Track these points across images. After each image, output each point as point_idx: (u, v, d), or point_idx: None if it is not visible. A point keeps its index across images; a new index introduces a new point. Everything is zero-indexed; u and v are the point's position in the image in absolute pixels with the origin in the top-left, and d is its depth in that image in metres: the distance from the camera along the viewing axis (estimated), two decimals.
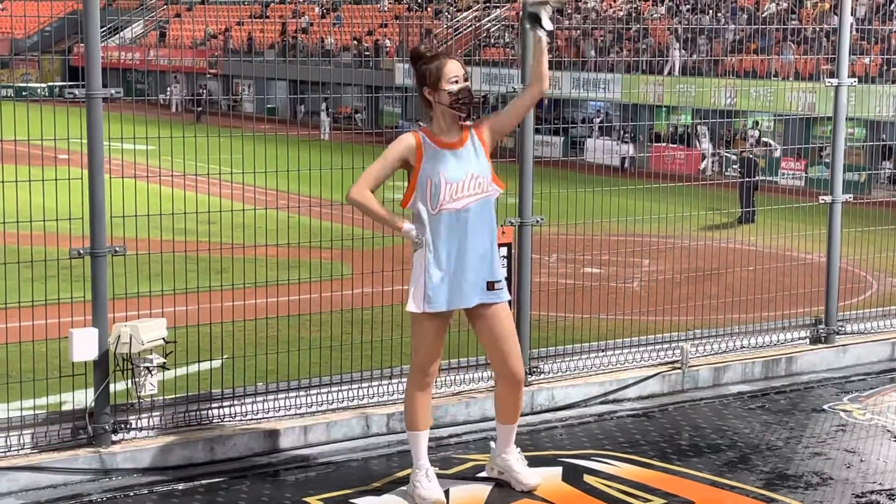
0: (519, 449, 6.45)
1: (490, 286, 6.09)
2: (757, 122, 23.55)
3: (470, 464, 6.82)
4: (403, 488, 6.36)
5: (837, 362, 9.22)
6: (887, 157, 20.60)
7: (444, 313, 6.07)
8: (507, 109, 6.32)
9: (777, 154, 23.20)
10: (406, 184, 6.07)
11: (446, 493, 6.33)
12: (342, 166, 7.62)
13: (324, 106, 24.98)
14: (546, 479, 6.62)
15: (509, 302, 6.43)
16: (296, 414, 7.27)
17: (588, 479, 6.63)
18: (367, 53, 41.90)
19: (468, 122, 6.11)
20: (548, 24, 6.12)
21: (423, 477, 6.18)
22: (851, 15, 9.34)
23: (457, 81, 6.00)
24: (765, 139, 23.72)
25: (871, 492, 6.49)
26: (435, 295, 6.00)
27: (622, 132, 23.80)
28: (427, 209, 5.99)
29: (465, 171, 6.02)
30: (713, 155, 21.93)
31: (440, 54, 6.11)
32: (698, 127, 22.94)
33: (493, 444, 6.49)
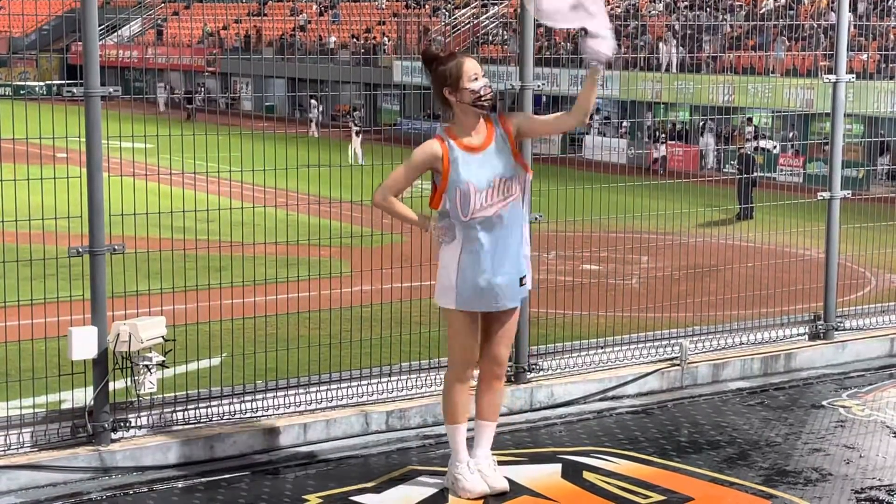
0: (494, 457, 6.41)
1: (520, 281, 6.13)
2: (751, 119, 23.52)
3: None
4: (402, 486, 6.36)
5: (836, 358, 9.22)
6: (881, 154, 20.61)
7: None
8: (545, 119, 6.27)
9: (776, 151, 23.19)
10: (433, 183, 6.08)
11: (444, 491, 6.34)
12: (340, 164, 7.63)
13: (313, 102, 24.97)
14: (546, 476, 6.63)
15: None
16: (295, 412, 7.27)
17: (587, 475, 6.64)
18: (363, 51, 41.89)
19: (492, 116, 6.10)
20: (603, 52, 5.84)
21: (465, 469, 6.21)
22: (849, 11, 9.34)
23: (477, 78, 5.99)
24: (763, 144, 23.67)
25: (871, 487, 6.49)
26: (468, 297, 6.02)
27: (656, 133, 23.65)
28: (458, 217, 5.99)
29: (493, 176, 5.99)
30: (715, 150, 21.92)
31: (455, 53, 6.10)
32: (701, 122, 22.92)
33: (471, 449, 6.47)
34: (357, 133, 21.51)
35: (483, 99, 5.99)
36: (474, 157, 6.01)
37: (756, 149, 22.95)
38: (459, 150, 6.00)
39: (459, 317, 6.09)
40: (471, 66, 6.01)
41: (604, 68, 5.91)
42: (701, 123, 23.55)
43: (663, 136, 23.69)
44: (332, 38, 44.64)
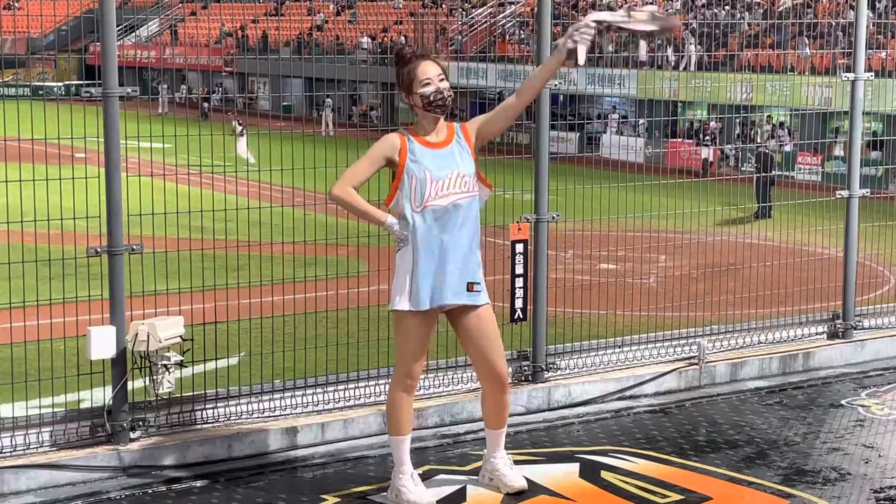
0: (509, 456, 6.39)
1: (469, 287, 6.05)
2: (770, 117, 23.44)
3: None
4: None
5: (855, 357, 9.19)
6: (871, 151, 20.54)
7: (430, 313, 6.03)
8: (496, 114, 6.24)
9: (788, 148, 23.08)
10: (390, 183, 6.07)
11: (463, 489, 6.34)
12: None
13: (328, 102, 24.93)
14: (564, 475, 6.62)
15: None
16: (313, 411, 7.28)
17: (605, 475, 6.63)
18: (379, 50, 41.91)
19: (454, 124, 6.13)
20: (581, 59, 6.10)
21: (408, 481, 6.12)
22: (868, 9, 9.31)
23: (429, 83, 5.97)
24: (782, 133, 23.57)
25: (890, 487, 6.47)
26: (419, 293, 5.96)
27: (704, 134, 23.36)
28: (411, 207, 5.96)
29: (450, 169, 6.00)
30: (729, 149, 21.84)
31: (415, 56, 6.04)
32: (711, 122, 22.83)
33: (486, 452, 6.45)
34: (241, 133, 20.13)
35: (434, 104, 5.99)
36: (432, 150, 6.02)
37: (773, 134, 22.83)
38: (418, 143, 6.01)
39: (413, 321, 6.00)
40: (423, 71, 5.99)
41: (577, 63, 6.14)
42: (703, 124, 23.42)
43: (708, 138, 23.28)
44: (365, 39, 44.61)
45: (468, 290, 6.04)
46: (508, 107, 6.19)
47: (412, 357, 6.07)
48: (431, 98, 5.98)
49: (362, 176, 6.02)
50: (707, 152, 21.23)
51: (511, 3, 41.95)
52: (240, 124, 18.86)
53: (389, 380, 7.47)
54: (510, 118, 6.24)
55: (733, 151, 21.69)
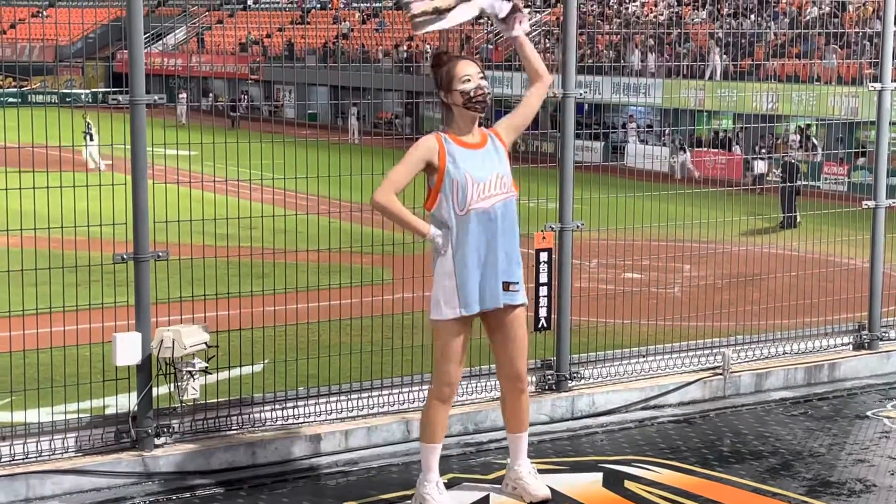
0: (533, 465, 6.39)
1: (506, 287, 6.05)
2: (800, 127, 23.37)
3: None
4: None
5: (881, 368, 9.15)
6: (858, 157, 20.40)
7: (470, 319, 6.04)
8: (518, 109, 6.30)
9: (818, 159, 23.00)
10: (427, 186, 6.06)
11: (486, 498, 6.34)
12: (383, 171, 7.64)
13: (354, 110, 25.01)
14: (587, 484, 6.61)
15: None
16: (337, 418, 7.29)
17: (629, 485, 6.62)
18: (404, 58, 41.98)
19: (484, 129, 6.14)
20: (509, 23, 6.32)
21: (433, 489, 6.11)
22: (895, 18, 9.26)
23: (469, 80, 5.98)
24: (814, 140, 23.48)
25: None
26: (468, 298, 5.96)
27: (757, 147, 23.12)
28: (454, 210, 5.95)
29: (491, 171, 6.00)
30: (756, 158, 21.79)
31: (453, 56, 6.10)
32: (739, 133, 22.74)
33: (509, 460, 6.46)
34: (91, 137, 18.73)
35: (473, 100, 5.98)
36: (470, 151, 6.01)
37: (801, 143, 22.71)
38: (455, 145, 6.00)
39: (453, 330, 5.99)
40: (463, 68, 6.00)
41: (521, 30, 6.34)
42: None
43: (765, 149, 22.95)
44: (405, 47, 44.64)
45: (505, 290, 6.04)
46: (525, 98, 6.29)
47: (452, 365, 6.04)
48: (472, 94, 5.98)
49: (403, 182, 6.00)
50: (762, 165, 21.04)
51: (536, 12, 41.95)
52: (90, 128, 16.76)
53: (413, 388, 7.53)
54: (530, 108, 6.32)
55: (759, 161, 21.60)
